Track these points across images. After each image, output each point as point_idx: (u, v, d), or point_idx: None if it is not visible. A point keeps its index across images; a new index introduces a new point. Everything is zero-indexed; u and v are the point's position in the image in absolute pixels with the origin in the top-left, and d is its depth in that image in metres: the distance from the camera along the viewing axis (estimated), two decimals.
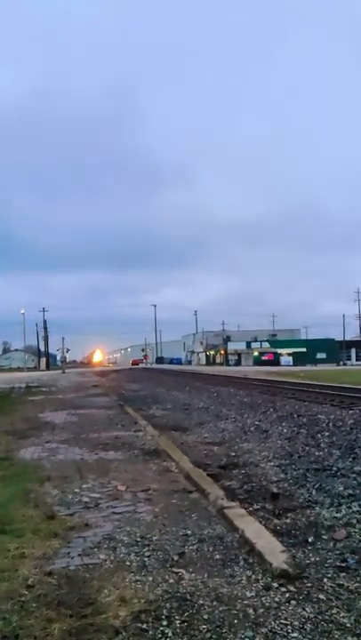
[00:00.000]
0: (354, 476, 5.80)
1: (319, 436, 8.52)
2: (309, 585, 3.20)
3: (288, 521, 4.52)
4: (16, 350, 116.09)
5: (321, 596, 3.05)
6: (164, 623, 2.76)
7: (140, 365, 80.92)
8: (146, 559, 3.60)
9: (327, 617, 2.82)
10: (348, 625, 2.74)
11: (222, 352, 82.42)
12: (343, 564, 3.52)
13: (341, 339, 75.32)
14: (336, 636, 2.63)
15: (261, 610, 2.89)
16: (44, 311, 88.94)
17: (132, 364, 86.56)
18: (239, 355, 79.39)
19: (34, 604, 2.95)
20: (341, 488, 5.39)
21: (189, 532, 4.12)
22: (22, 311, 78.75)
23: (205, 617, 2.82)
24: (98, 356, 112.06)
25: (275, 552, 3.55)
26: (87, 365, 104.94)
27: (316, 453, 7.23)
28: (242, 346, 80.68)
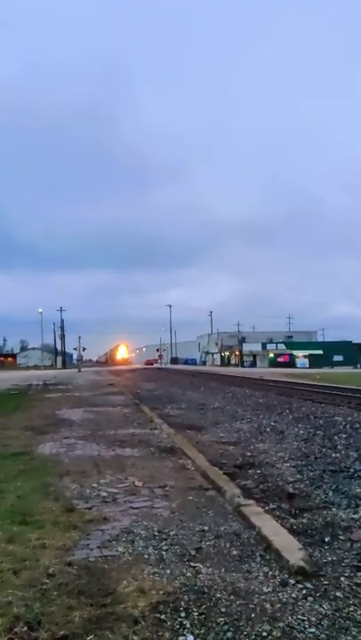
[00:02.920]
0: None
1: (336, 437, 8.48)
2: (326, 583, 3.21)
3: (305, 521, 4.52)
4: (33, 349, 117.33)
5: (338, 594, 3.06)
6: (182, 614, 2.80)
7: (155, 365, 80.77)
8: (164, 553, 3.65)
9: (344, 614, 2.83)
10: None
11: (237, 353, 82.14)
12: (360, 564, 3.52)
13: (359, 341, 74.48)
14: (354, 633, 2.65)
15: (278, 605, 2.91)
16: (61, 310, 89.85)
17: (146, 364, 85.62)
18: (254, 356, 79.08)
19: (55, 593, 3.02)
20: (359, 490, 5.36)
21: (206, 528, 4.15)
22: (40, 310, 79.82)
23: (223, 610, 2.85)
24: (122, 352, 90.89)
25: (292, 549, 3.56)
26: (104, 364, 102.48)
27: (333, 455, 7.19)
28: (257, 347, 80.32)
